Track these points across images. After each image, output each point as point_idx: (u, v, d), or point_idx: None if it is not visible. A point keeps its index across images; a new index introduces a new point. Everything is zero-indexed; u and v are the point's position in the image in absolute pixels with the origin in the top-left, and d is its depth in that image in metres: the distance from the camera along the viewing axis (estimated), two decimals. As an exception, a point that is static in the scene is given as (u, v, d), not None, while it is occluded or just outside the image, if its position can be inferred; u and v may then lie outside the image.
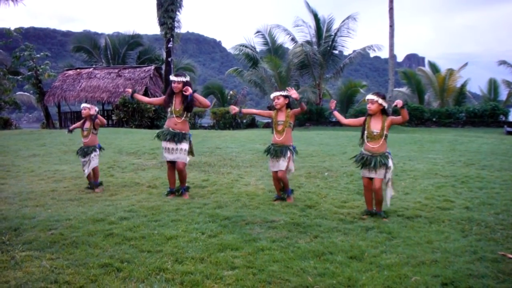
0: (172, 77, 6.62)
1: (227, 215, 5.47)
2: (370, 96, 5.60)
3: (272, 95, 6.49)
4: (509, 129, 24.65)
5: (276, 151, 6.31)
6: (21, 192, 7.18)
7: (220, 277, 3.62)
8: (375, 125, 5.57)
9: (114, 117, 26.04)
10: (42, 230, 4.86)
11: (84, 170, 7.43)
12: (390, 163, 5.55)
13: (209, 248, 4.30)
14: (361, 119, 5.82)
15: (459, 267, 3.83)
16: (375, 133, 5.55)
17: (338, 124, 34.69)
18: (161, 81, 29.85)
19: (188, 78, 6.64)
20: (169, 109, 6.66)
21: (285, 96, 6.34)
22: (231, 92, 47.80)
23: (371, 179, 5.62)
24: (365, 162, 5.58)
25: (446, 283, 3.53)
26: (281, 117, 6.35)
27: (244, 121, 33.28)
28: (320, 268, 3.82)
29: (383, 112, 5.60)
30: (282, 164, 6.26)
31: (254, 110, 6.96)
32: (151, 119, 26.01)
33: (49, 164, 10.49)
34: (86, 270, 3.73)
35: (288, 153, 6.28)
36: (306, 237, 4.70)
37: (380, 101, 5.52)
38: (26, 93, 37.75)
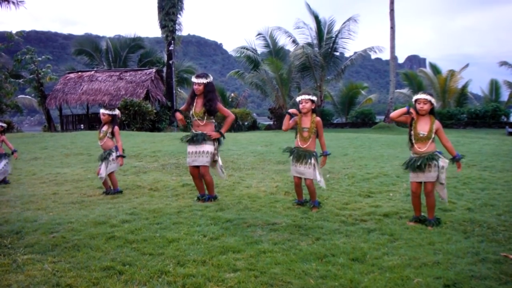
0: (193, 79, 6.37)
1: (229, 218, 5.46)
2: (422, 96, 5.23)
3: (299, 98, 6.12)
4: (510, 130, 24.66)
5: (300, 155, 6.05)
6: (23, 195, 7.19)
7: (222, 280, 3.61)
8: (423, 127, 5.24)
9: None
10: (43, 233, 4.86)
11: (100, 174, 7.15)
12: (442, 163, 5.23)
13: (211, 250, 4.30)
14: (407, 117, 5.38)
15: (461, 268, 3.82)
16: (421, 135, 5.23)
17: (339, 125, 34.76)
18: (162, 83, 29.92)
19: (210, 79, 6.33)
20: (190, 112, 6.38)
21: (312, 101, 6.08)
22: (232, 94, 47.96)
23: (420, 183, 5.36)
24: (413, 164, 5.29)
25: (448, 284, 3.52)
26: (306, 123, 6.05)
27: (246, 123, 33.33)
28: (322, 270, 3.81)
29: (431, 112, 5.29)
30: (308, 172, 6.01)
31: (287, 125, 6.15)
32: (152, 121, 26.04)
33: (50, 167, 10.51)
34: (88, 273, 3.73)
35: (312, 160, 6.00)
36: (308, 239, 4.69)
37: (433, 100, 5.24)
38: (27, 96, 37.86)
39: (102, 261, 4.01)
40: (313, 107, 6.09)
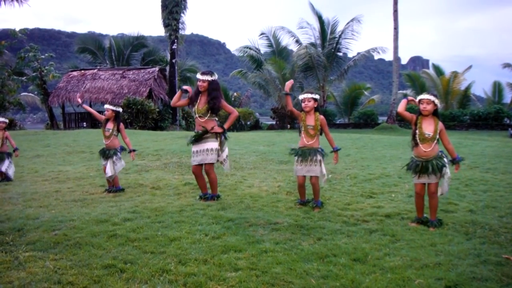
0: (198, 75, 6.40)
1: (231, 217, 5.47)
2: (426, 96, 5.24)
3: (301, 96, 6.14)
4: (513, 132, 24.59)
5: (305, 152, 6.05)
6: (25, 192, 7.21)
7: (223, 279, 3.62)
8: (428, 127, 5.23)
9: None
10: (45, 230, 4.88)
11: (106, 173, 7.15)
12: (446, 162, 5.26)
13: (212, 249, 4.30)
14: (413, 116, 5.40)
15: (462, 270, 3.82)
16: (427, 135, 5.21)
17: (342, 126, 34.72)
18: (165, 82, 29.89)
19: (215, 77, 6.35)
20: (193, 109, 6.42)
21: (315, 99, 6.09)
22: (235, 94, 47.87)
23: (424, 184, 5.36)
24: (421, 169, 5.27)
25: (450, 286, 3.51)
26: (311, 121, 6.05)
27: (248, 123, 33.31)
28: (324, 270, 3.82)
29: (435, 113, 5.29)
30: (314, 169, 6.02)
31: (290, 103, 6.18)
32: (155, 120, 26.03)
33: (53, 165, 10.52)
34: (89, 271, 3.74)
35: (318, 156, 6.03)
36: (309, 239, 4.69)
37: (436, 101, 5.24)
38: (30, 94, 37.88)
39: (104, 259, 4.02)
40: (315, 106, 6.10)
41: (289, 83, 6.23)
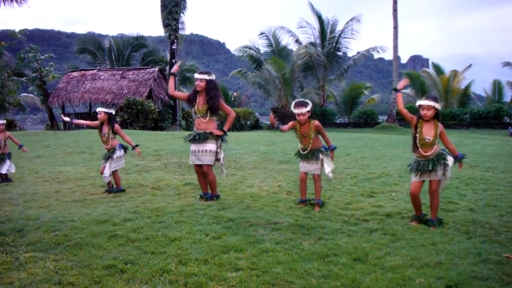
0: (195, 75, 6.42)
1: (231, 217, 5.46)
2: (426, 102, 5.12)
3: (294, 110, 6.02)
4: (513, 130, 24.59)
5: (307, 154, 6.13)
6: (25, 193, 7.20)
7: (224, 279, 3.61)
8: (428, 132, 5.18)
9: (118, 119, 26.10)
10: (46, 231, 4.87)
11: (104, 174, 7.11)
12: (449, 160, 5.24)
13: (212, 249, 4.30)
14: (414, 118, 5.34)
15: (463, 269, 3.81)
16: (427, 140, 5.18)
17: (342, 125, 34.71)
18: (165, 82, 29.89)
19: (213, 77, 6.37)
20: (193, 109, 6.42)
21: (308, 111, 6.00)
22: (235, 93, 47.89)
23: (420, 183, 5.32)
24: (422, 168, 5.23)
25: (450, 285, 3.51)
26: (305, 129, 6.06)
27: (248, 122, 33.31)
28: (324, 270, 3.81)
29: (435, 116, 5.21)
30: (315, 168, 6.12)
31: (285, 127, 6.19)
32: (155, 120, 26.05)
33: (53, 166, 10.52)
34: (90, 272, 3.74)
35: (320, 156, 6.09)
36: (310, 239, 4.69)
37: (437, 106, 5.15)
38: (30, 94, 37.88)
39: (104, 259, 4.02)
40: (309, 115, 6.05)
41: (272, 122, 6.29)
